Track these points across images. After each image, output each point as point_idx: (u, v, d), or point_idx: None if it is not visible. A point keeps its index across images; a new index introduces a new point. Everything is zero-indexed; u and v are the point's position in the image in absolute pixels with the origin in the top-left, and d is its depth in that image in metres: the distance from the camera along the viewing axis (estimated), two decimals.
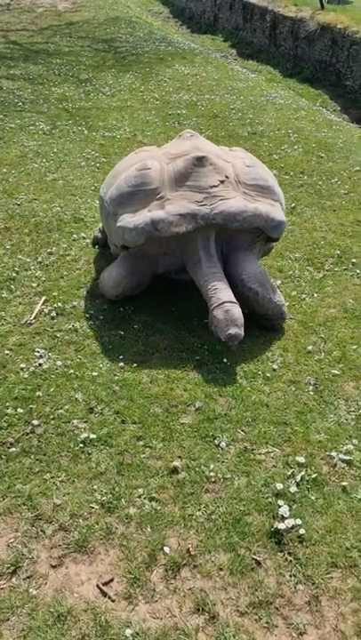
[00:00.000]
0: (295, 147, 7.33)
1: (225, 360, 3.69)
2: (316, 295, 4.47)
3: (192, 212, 3.69)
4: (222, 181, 3.84)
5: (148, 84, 9.65)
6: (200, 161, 3.83)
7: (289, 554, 2.55)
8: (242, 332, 3.56)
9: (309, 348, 3.86)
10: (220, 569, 2.48)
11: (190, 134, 4.19)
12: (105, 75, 10.02)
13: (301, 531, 2.61)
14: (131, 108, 8.53)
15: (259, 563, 2.50)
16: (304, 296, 4.44)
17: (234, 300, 3.65)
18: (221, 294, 3.65)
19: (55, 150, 6.93)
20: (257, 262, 4.04)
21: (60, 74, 9.94)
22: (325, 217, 5.67)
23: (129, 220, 3.77)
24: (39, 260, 4.76)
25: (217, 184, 3.81)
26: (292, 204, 5.82)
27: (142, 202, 3.82)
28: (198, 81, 10.00)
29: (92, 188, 6.05)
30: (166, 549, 2.53)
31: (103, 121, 7.95)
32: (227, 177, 3.87)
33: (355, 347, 3.89)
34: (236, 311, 3.59)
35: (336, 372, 3.67)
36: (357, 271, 4.80)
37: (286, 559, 2.53)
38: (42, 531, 2.60)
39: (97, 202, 5.71)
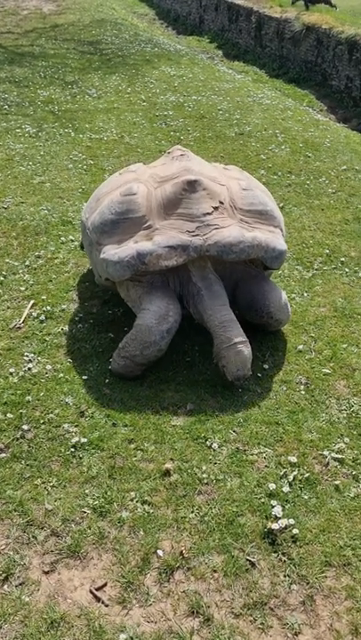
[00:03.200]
0: (283, 147, 7.35)
1: (215, 361, 3.68)
2: (305, 294, 4.47)
3: (183, 243, 3.34)
4: (216, 208, 3.50)
5: (134, 85, 9.63)
6: (191, 185, 3.49)
7: (283, 554, 2.54)
8: (250, 371, 3.40)
9: (300, 347, 3.86)
10: (214, 571, 2.46)
11: (180, 153, 3.86)
12: (91, 77, 9.99)
13: (295, 530, 2.61)
14: (117, 109, 8.52)
15: (253, 564, 2.49)
16: (294, 295, 4.44)
17: (244, 337, 3.39)
18: (232, 333, 3.35)
19: (42, 153, 6.90)
20: (278, 288, 3.77)
21: (45, 76, 9.89)
22: (314, 216, 5.68)
23: (113, 251, 3.43)
24: (27, 263, 4.72)
25: (210, 211, 3.47)
26: (281, 204, 5.82)
27: (128, 231, 3.47)
28: (185, 82, 10.00)
29: (80, 190, 6.02)
30: (160, 552, 2.52)
31: (90, 123, 7.92)
32: (221, 202, 3.54)
33: (345, 345, 3.90)
34: (247, 352, 3.36)
35: (327, 370, 3.67)
36: (346, 270, 4.81)
37: (280, 559, 2.52)
38: (33, 537, 2.58)
39: (85, 203, 5.69)
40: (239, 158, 6.95)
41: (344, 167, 6.79)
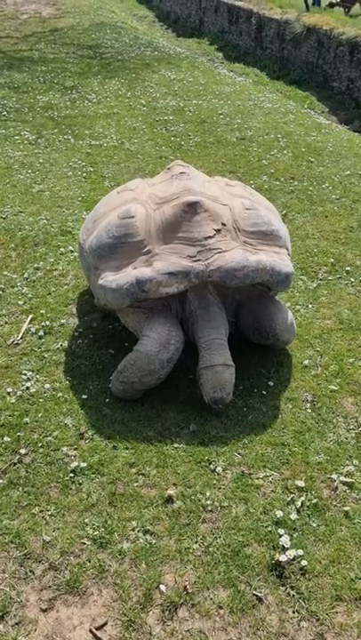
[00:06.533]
0: (285, 151, 7.24)
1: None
2: (310, 306, 4.36)
3: (184, 269, 3.19)
4: (218, 230, 3.33)
5: (134, 90, 9.54)
6: (192, 207, 3.33)
7: (291, 588, 2.43)
8: (229, 397, 3.21)
9: (306, 362, 3.75)
10: (220, 607, 2.35)
11: (180, 170, 3.67)
12: (91, 81, 9.91)
13: (303, 562, 2.49)
14: (117, 114, 8.42)
15: (260, 599, 2.38)
16: (298, 307, 4.33)
17: (229, 362, 3.25)
18: (216, 355, 3.23)
19: (41, 160, 6.81)
20: (284, 308, 3.64)
21: (45, 81, 9.81)
22: (317, 223, 5.57)
23: (111, 278, 3.30)
24: (25, 275, 4.62)
25: (212, 234, 3.30)
26: (284, 211, 5.71)
27: (126, 256, 3.33)
28: (185, 86, 9.91)
29: (80, 198, 5.93)
30: (162, 587, 2.40)
31: (89, 129, 7.83)
32: (224, 225, 3.37)
33: (352, 360, 3.79)
34: (228, 374, 3.22)
35: (334, 387, 3.56)
36: (352, 280, 4.70)
37: (289, 594, 2.41)
38: (31, 571, 2.46)
39: (84, 213, 5.60)
40: (241, 164, 6.85)
41: (348, 172, 6.67)
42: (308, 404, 3.43)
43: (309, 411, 3.39)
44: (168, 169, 3.82)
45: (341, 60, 12.65)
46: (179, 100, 9.07)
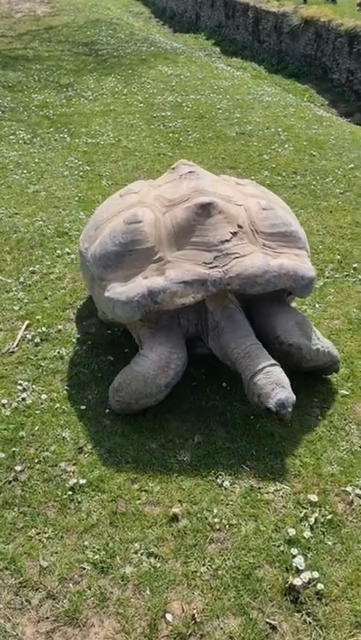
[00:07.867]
0: (286, 145, 7.06)
1: (224, 384, 3.40)
2: (317, 305, 4.18)
3: (200, 277, 2.93)
4: (235, 233, 3.06)
5: (130, 86, 9.35)
6: (205, 209, 3.07)
7: (307, 614, 2.26)
8: (293, 396, 2.82)
9: None
10: (231, 637, 2.18)
11: (188, 170, 3.40)
12: (86, 79, 9.72)
13: (320, 585, 2.32)
14: (114, 112, 8.24)
15: (274, 627, 2.21)
16: (305, 307, 4.16)
17: (273, 361, 2.94)
18: (258, 359, 2.92)
19: (36, 160, 6.63)
20: (290, 308, 3.35)
21: (39, 80, 9.63)
22: (322, 219, 5.39)
23: (120, 290, 3.02)
24: (21, 280, 4.46)
25: (229, 237, 3.03)
26: None
27: (135, 265, 3.05)
28: (182, 81, 9.72)
29: (76, 198, 5.76)
30: (169, 617, 2.24)
31: (86, 127, 7.65)
32: (240, 226, 3.10)
33: None
34: (278, 371, 2.90)
35: (345, 392, 3.38)
36: (360, 277, 4.52)
37: (305, 621, 2.24)
38: (27, 600, 2.30)
39: (81, 213, 5.43)
40: (241, 159, 6.67)
41: (351, 165, 6.49)
42: (319, 411, 3.26)
43: (320, 418, 3.21)
44: (173, 168, 3.57)
45: (340, 52, 12.44)
46: (176, 96, 8.88)
